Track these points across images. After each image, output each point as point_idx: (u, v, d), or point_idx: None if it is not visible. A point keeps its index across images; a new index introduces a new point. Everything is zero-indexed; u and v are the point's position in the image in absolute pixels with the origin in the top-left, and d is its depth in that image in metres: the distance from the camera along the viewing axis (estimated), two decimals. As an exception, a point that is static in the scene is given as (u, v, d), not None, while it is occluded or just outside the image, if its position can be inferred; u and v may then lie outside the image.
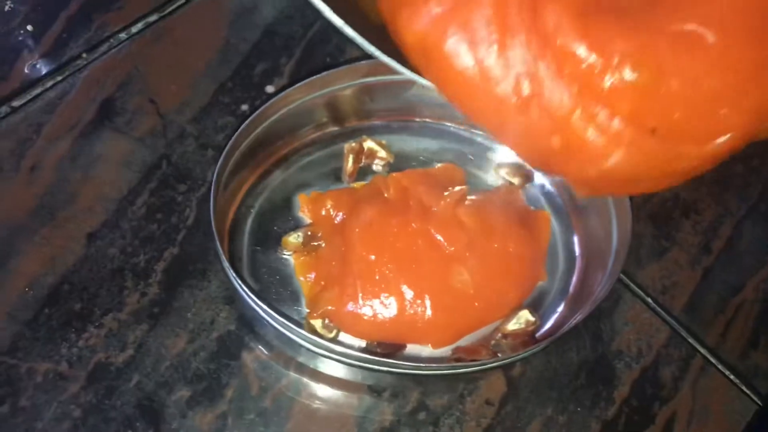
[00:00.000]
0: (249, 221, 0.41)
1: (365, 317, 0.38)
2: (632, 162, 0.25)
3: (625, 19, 0.24)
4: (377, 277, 0.38)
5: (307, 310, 0.39)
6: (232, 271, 0.35)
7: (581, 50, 0.24)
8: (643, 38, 0.24)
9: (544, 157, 0.27)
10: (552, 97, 0.24)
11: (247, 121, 0.39)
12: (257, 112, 0.39)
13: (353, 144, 0.43)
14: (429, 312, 0.38)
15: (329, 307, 0.38)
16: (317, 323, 0.38)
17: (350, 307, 0.38)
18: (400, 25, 0.26)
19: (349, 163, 0.42)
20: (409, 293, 0.38)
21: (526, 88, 0.25)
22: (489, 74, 0.25)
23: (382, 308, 0.38)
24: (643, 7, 0.24)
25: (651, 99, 0.24)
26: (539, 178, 0.44)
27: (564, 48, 0.24)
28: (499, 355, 0.38)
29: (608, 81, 0.24)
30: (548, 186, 0.44)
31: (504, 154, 0.44)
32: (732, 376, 0.42)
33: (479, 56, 0.25)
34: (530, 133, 0.26)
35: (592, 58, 0.24)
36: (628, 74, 0.24)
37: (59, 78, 0.44)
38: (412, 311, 0.38)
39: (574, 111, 0.25)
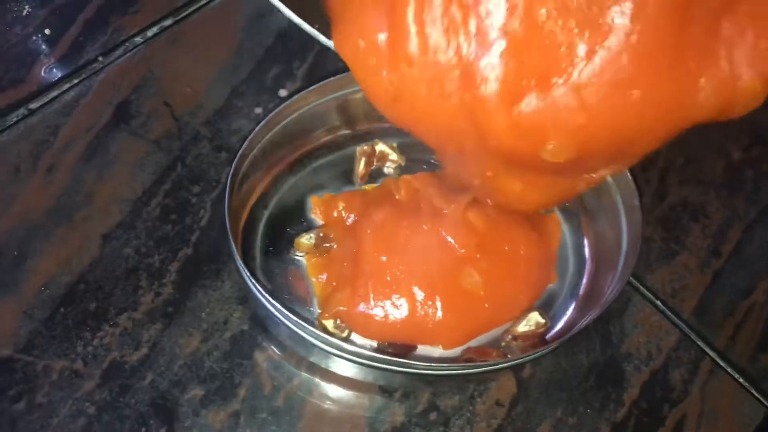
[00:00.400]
0: (262, 223, 0.41)
1: (376, 318, 0.38)
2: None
3: None
4: (388, 279, 0.38)
5: (319, 311, 0.39)
6: (246, 271, 0.36)
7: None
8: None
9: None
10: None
11: (261, 124, 0.39)
12: (271, 114, 0.40)
13: (365, 147, 0.43)
14: (440, 313, 0.38)
15: (341, 308, 0.38)
16: (329, 323, 0.39)
17: (362, 307, 0.38)
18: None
19: (361, 166, 0.43)
20: (420, 294, 0.38)
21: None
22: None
23: (393, 309, 0.38)
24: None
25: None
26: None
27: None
28: (509, 356, 0.39)
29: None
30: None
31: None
32: (741, 380, 0.42)
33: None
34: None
35: None
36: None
37: (76, 81, 0.45)
38: (422, 312, 0.38)
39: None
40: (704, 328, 0.43)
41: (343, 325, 0.39)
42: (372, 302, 0.38)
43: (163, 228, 0.42)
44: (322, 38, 0.30)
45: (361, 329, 0.39)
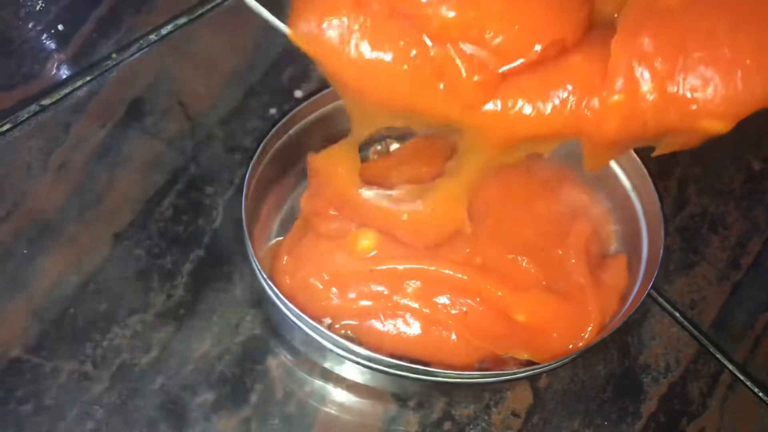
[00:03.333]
0: (276, 225, 0.41)
1: (388, 334, 0.37)
2: None
3: None
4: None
5: (330, 320, 0.39)
6: (262, 273, 0.35)
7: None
8: None
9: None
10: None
11: (278, 124, 0.39)
12: (289, 115, 0.39)
13: (378, 147, 0.43)
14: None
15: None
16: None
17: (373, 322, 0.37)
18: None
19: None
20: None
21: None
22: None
23: (405, 326, 0.37)
24: None
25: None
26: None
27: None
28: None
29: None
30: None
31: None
32: (761, 394, 0.41)
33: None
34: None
35: None
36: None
37: (89, 78, 0.44)
38: (437, 333, 0.37)
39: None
40: (723, 340, 0.43)
41: (353, 335, 0.38)
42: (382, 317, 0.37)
43: (175, 229, 0.41)
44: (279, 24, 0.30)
45: (372, 344, 0.37)
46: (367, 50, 0.28)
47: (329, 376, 0.39)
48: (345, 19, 0.27)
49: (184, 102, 0.44)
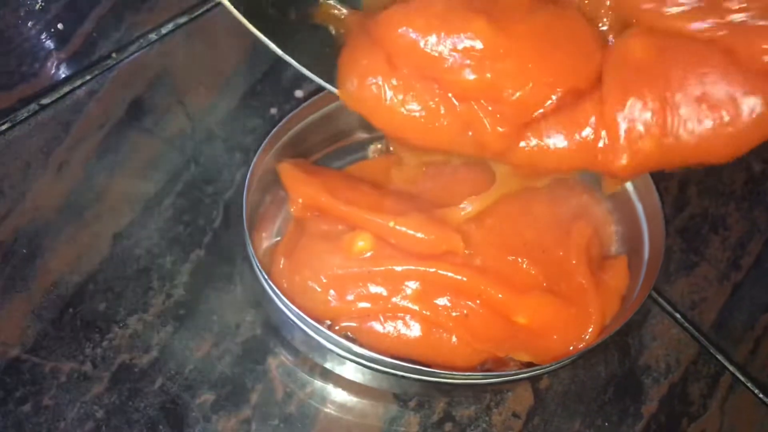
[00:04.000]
0: (277, 225, 0.40)
1: (388, 335, 0.37)
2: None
3: None
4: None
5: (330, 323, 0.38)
6: (263, 273, 0.35)
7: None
8: None
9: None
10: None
11: (279, 124, 0.38)
12: (290, 115, 0.39)
13: (379, 146, 0.43)
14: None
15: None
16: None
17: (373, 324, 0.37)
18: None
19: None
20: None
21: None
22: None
23: (405, 328, 0.37)
24: None
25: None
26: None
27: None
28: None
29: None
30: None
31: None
32: (761, 395, 0.41)
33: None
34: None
35: None
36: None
37: (88, 77, 0.44)
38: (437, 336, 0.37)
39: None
40: (724, 341, 0.42)
41: (353, 336, 0.38)
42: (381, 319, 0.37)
43: (176, 229, 0.41)
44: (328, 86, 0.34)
45: (371, 345, 0.37)
46: (401, 107, 0.31)
47: (329, 377, 0.39)
48: (380, 79, 0.31)
49: (184, 101, 0.44)
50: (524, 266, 0.38)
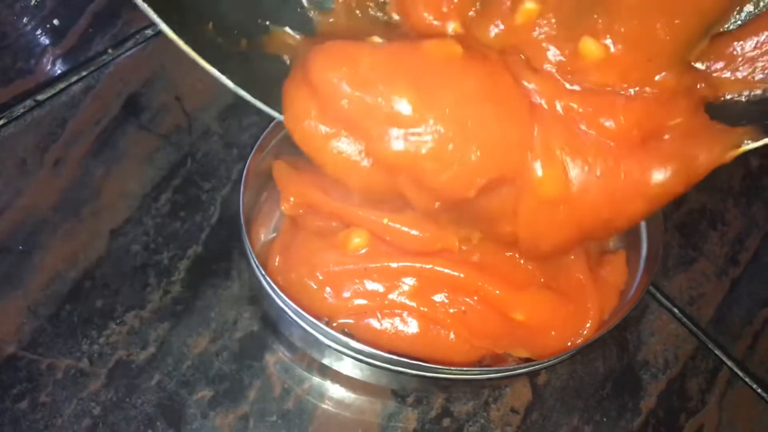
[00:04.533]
0: (274, 221, 0.40)
1: (386, 332, 0.37)
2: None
3: None
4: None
5: (327, 320, 0.38)
6: (260, 269, 0.35)
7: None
8: None
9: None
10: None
11: (276, 120, 0.38)
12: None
13: None
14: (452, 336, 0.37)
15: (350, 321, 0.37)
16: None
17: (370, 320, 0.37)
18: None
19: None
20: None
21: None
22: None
23: (403, 325, 0.37)
24: None
25: None
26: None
27: None
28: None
29: None
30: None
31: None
32: (759, 390, 0.41)
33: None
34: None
35: None
36: None
37: (84, 73, 0.44)
38: (435, 332, 0.37)
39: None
40: (722, 336, 0.42)
41: (350, 333, 0.38)
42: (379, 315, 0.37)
43: (173, 225, 0.41)
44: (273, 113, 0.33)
45: (369, 342, 0.37)
46: (334, 150, 0.30)
47: (327, 373, 0.38)
48: (312, 121, 0.30)
49: (180, 97, 0.44)
50: (521, 262, 0.38)
